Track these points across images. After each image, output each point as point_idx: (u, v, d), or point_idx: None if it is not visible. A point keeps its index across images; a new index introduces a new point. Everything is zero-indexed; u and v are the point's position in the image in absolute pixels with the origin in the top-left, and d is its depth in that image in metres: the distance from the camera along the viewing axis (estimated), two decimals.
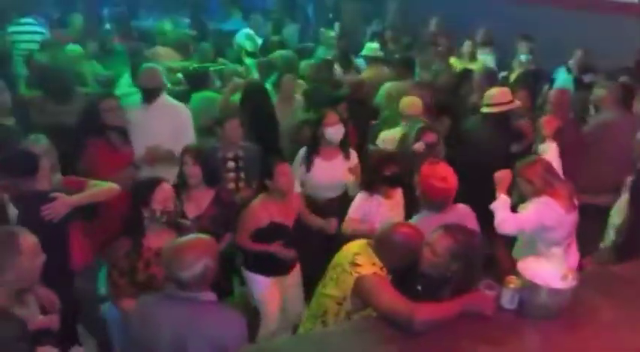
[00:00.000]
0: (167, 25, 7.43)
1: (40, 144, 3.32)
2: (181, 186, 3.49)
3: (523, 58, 6.26)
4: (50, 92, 4.56)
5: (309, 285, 3.69)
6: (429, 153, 3.79)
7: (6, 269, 2.21)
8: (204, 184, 3.52)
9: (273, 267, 3.63)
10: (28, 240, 2.29)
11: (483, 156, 3.95)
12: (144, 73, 4.32)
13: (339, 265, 2.75)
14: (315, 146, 4.06)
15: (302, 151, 4.11)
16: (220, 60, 6.28)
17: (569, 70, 5.93)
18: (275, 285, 3.69)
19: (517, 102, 4.38)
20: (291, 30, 8.26)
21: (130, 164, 4.04)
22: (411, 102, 4.45)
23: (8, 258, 2.22)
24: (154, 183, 2.99)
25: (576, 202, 3.24)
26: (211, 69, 5.63)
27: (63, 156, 3.53)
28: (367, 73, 6.16)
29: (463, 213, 3.25)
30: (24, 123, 4.19)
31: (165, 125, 4.12)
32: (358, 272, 2.61)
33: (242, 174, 4.02)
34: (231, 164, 4.02)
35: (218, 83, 5.57)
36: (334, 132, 4.00)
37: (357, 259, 2.67)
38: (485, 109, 4.34)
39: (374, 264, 2.65)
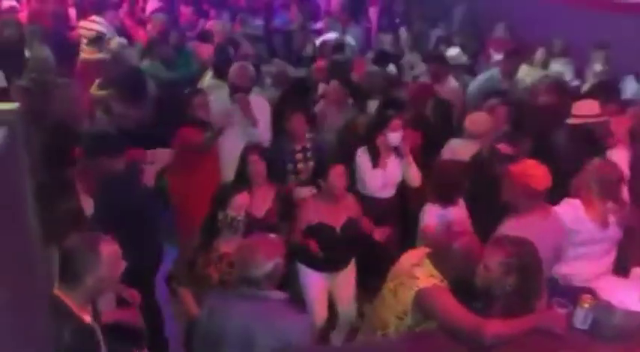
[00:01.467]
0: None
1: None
2: (242, 185, 3.53)
3: (597, 68, 6.02)
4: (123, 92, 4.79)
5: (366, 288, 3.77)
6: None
7: (85, 275, 2.17)
8: (265, 182, 3.60)
9: (322, 263, 3.63)
10: (110, 247, 2.25)
11: (567, 168, 3.72)
12: (236, 70, 4.48)
13: (396, 278, 2.70)
14: (375, 148, 4.01)
15: (361, 152, 4.05)
16: (275, 60, 6.35)
17: (638, 79, 5.66)
18: (323, 281, 3.71)
19: (604, 117, 4.08)
20: (354, 32, 8.25)
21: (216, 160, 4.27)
22: (477, 120, 4.27)
23: (88, 265, 2.17)
24: (237, 189, 3.09)
25: (614, 220, 3.01)
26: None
27: None
28: None
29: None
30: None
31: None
32: (417, 286, 2.56)
33: (310, 164, 4.09)
34: (299, 156, 4.11)
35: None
36: (397, 138, 3.99)
37: (415, 271, 2.62)
38: (570, 120, 4.15)
39: (433, 276, 2.60)
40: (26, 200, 1.65)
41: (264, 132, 4.41)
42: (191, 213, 3.74)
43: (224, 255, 2.89)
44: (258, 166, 3.57)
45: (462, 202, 3.61)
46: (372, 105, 4.55)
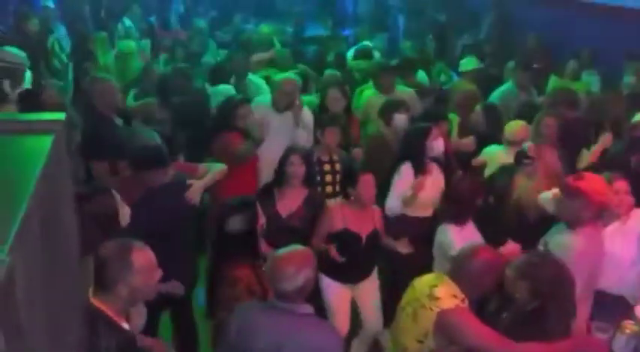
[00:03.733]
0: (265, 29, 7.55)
1: (156, 138, 3.58)
2: (277, 185, 3.60)
3: (630, 79, 5.89)
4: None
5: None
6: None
7: (117, 283, 2.08)
8: (300, 185, 3.62)
9: (343, 272, 3.58)
10: (144, 255, 2.16)
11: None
12: (284, 83, 4.55)
13: (415, 300, 2.61)
14: (420, 160, 3.87)
15: (405, 166, 3.89)
16: (300, 65, 6.33)
17: None
18: (345, 291, 3.66)
19: None
20: (380, 39, 8.20)
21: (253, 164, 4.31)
22: (516, 128, 4.25)
23: (120, 273, 2.08)
24: (252, 201, 3.13)
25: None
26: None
27: None
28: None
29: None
30: None
31: (290, 126, 4.41)
32: (439, 307, 2.48)
33: (338, 177, 4.05)
34: (327, 167, 4.08)
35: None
36: (439, 145, 3.90)
37: (435, 292, 2.53)
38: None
39: (455, 296, 2.51)
40: (71, 205, 1.64)
41: (308, 141, 4.40)
42: None
43: (237, 280, 2.83)
44: (297, 168, 3.59)
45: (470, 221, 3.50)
46: (399, 118, 4.45)
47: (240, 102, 4.38)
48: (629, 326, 2.35)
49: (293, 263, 2.35)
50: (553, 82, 6.18)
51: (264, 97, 4.83)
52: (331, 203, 3.76)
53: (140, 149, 3.39)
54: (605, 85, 6.17)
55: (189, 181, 3.31)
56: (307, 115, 4.56)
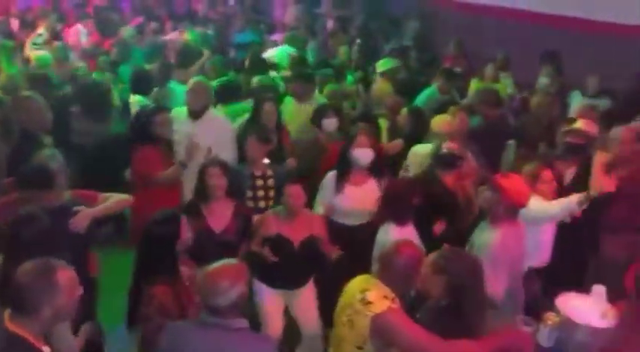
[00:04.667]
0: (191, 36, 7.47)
1: (56, 159, 3.39)
2: (201, 200, 3.50)
3: (544, 80, 6.23)
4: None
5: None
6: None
7: (42, 305, 2.01)
8: (225, 197, 3.52)
9: (277, 278, 3.58)
10: (67, 274, 2.10)
11: None
12: (190, 92, 4.40)
13: (349, 306, 2.63)
14: (345, 169, 3.93)
15: (331, 175, 3.99)
16: (231, 73, 6.28)
17: (584, 94, 5.88)
18: (278, 298, 3.64)
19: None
20: (312, 46, 8.27)
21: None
22: (442, 122, 4.44)
23: (45, 295, 2.01)
24: (177, 215, 2.97)
25: None
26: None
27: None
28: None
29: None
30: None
31: (210, 139, 4.21)
32: (372, 311, 2.50)
33: (272, 193, 3.99)
34: (259, 182, 4.01)
35: None
36: (364, 154, 3.91)
37: (367, 296, 2.54)
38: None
39: (386, 297, 2.54)
40: None
41: (229, 156, 4.27)
42: None
43: (151, 297, 2.72)
44: (219, 180, 3.48)
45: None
46: (328, 123, 4.51)
47: (157, 109, 4.26)
48: (551, 318, 2.47)
49: (226, 277, 2.30)
50: (474, 85, 6.45)
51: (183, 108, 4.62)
52: (267, 212, 3.69)
53: (26, 169, 3.24)
54: (519, 87, 6.54)
55: (76, 208, 3.13)
56: (224, 126, 4.46)
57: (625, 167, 3.94)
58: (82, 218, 3.10)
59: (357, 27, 9.11)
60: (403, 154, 4.57)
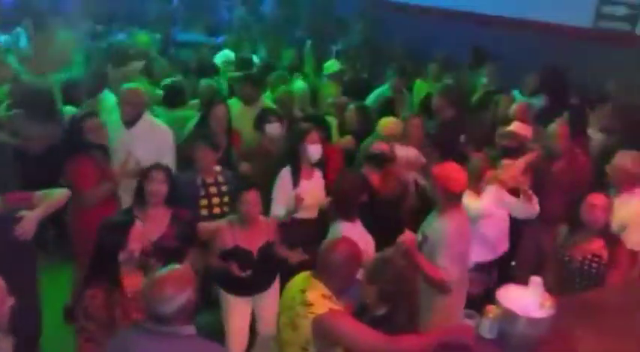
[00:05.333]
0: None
1: None
2: (139, 206, 3.41)
3: (483, 80, 6.42)
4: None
5: None
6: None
7: None
8: (162, 204, 3.44)
9: (239, 286, 3.59)
10: None
11: None
12: (121, 102, 4.25)
13: (289, 308, 2.63)
14: (297, 164, 4.00)
15: (285, 171, 4.03)
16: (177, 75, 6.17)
17: (522, 93, 6.10)
18: (245, 307, 3.66)
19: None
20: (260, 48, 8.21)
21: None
22: (388, 124, 4.55)
23: None
24: (130, 222, 2.87)
25: None
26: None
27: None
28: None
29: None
30: None
31: (147, 146, 4.10)
32: (313, 312, 2.50)
33: (226, 199, 3.93)
34: (213, 189, 3.95)
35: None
36: (317, 150, 3.98)
37: (307, 297, 2.55)
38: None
39: (324, 296, 2.55)
40: None
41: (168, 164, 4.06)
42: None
43: (83, 298, 2.68)
44: (159, 186, 3.39)
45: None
46: (271, 128, 4.50)
47: (87, 115, 4.11)
48: (492, 310, 2.55)
49: (172, 284, 2.26)
50: (418, 85, 6.59)
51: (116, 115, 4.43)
52: (221, 222, 3.64)
53: None
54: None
55: (20, 213, 2.93)
56: (161, 133, 4.34)
57: (562, 160, 4.15)
58: (28, 223, 2.91)
59: (305, 28, 9.14)
60: (355, 150, 4.71)
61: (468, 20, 7.56)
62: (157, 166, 3.52)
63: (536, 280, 2.63)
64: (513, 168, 4.01)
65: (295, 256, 3.60)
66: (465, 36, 7.31)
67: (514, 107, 4.97)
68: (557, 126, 4.25)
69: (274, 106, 5.13)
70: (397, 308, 2.57)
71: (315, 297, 2.53)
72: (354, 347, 2.45)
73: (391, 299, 2.56)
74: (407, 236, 3.18)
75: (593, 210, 3.22)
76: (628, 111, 4.96)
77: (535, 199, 3.74)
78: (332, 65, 6.53)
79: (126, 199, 3.94)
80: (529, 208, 3.76)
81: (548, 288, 3.06)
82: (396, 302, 2.57)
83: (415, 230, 3.40)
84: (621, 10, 6.22)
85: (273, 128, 4.47)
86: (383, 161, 4.05)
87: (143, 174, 3.46)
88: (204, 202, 3.92)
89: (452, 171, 3.27)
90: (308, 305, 2.51)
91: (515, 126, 4.34)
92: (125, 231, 2.79)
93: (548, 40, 6.50)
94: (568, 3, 6.41)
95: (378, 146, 4.09)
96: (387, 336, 2.40)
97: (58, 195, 3.21)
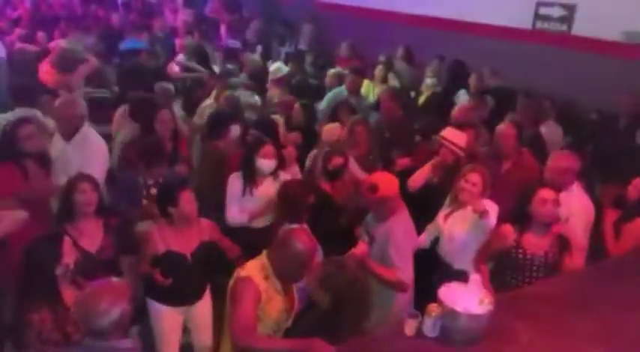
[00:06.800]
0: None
1: None
2: (67, 220, 3.26)
3: (429, 81, 6.55)
4: None
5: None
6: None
7: None
8: (93, 214, 3.32)
9: (174, 295, 3.45)
10: None
11: None
12: (55, 120, 4.13)
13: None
14: (251, 174, 3.99)
15: (235, 178, 4.00)
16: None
17: (468, 92, 6.25)
18: (176, 317, 3.54)
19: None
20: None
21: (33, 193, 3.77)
22: (330, 129, 4.65)
23: None
24: (60, 236, 2.80)
25: None
26: None
27: None
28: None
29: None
30: None
31: (82, 157, 4.02)
32: (239, 274, 2.64)
33: None
34: (154, 190, 3.89)
35: None
36: (269, 166, 3.99)
37: (245, 264, 2.71)
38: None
39: (262, 269, 2.68)
40: None
41: (100, 175, 3.96)
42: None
43: (30, 325, 2.60)
44: (90, 195, 3.26)
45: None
46: (234, 129, 4.52)
47: (21, 121, 3.95)
48: (434, 308, 2.58)
49: (105, 297, 2.21)
50: (366, 85, 6.66)
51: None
52: (150, 225, 3.52)
53: None
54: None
55: None
56: (96, 144, 4.25)
57: (510, 159, 4.24)
58: None
59: (255, 31, 9.09)
60: (301, 145, 4.82)
61: (409, 22, 7.71)
62: (82, 177, 3.38)
63: (475, 277, 2.68)
64: (420, 172, 4.13)
65: (234, 249, 3.51)
66: (406, 37, 7.45)
67: (455, 109, 5.06)
68: (504, 127, 4.30)
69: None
70: (345, 312, 2.61)
71: (253, 265, 2.65)
72: (229, 318, 2.60)
73: (340, 304, 2.60)
74: (360, 247, 3.23)
75: (545, 204, 3.30)
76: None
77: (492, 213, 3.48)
78: (279, 69, 6.48)
79: None
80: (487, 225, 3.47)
81: (507, 287, 3.21)
82: (344, 306, 2.60)
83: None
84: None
85: (235, 130, 4.49)
86: (338, 175, 4.12)
87: (69, 187, 3.31)
88: (145, 203, 3.86)
89: (386, 178, 3.39)
90: (243, 268, 2.64)
91: (445, 132, 4.26)
92: (57, 245, 2.71)
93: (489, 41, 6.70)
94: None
95: (336, 162, 4.09)
96: (252, 331, 2.53)
97: (16, 217, 3.16)
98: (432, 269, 3.73)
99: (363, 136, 4.58)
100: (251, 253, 3.48)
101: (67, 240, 2.82)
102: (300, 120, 5.18)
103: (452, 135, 4.20)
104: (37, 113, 4.73)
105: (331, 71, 6.64)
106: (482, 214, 3.37)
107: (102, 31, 8.46)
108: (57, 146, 4.12)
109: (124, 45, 7.63)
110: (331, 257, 3.00)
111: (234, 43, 8.31)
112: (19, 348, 2.65)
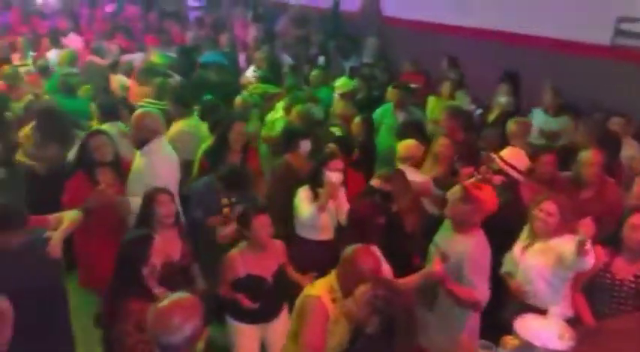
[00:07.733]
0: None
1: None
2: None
3: (502, 99, 6.34)
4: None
5: None
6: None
7: None
8: (172, 225, 3.46)
9: (254, 315, 3.50)
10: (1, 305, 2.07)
11: None
12: (136, 121, 4.21)
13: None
14: (317, 185, 3.99)
15: (304, 192, 4.02)
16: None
17: (546, 111, 6.01)
18: (254, 333, 3.58)
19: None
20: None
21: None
22: (408, 146, 4.63)
23: None
24: (149, 237, 2.90)
25: None
26: None
27: None
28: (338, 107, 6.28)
29: None
30: None
31: (156, 169, 4.05)
32: (309, 293, 2.63)
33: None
34: (225, 201, 3.98)
35: None
36: (336, 178, 3.95)
37: (315, 284, 2.69)
38: None
39: (331, 290, 2.65)
40: None
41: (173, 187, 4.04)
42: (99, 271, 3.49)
43: (128, 314, 2.66)
44: (169, 207, 3.39)
45: None
46: (305, 144, 4.57)
47: (93, 133, 4.15)
48: (509, 341, 2.47)
49: (178, 313, 2.22)
50: (432, 101, 6.54)
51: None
52: (231, 251, 3.55)
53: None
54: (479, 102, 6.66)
55: (47, 234, 3.14)
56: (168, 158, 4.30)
57: (592, 188, 4.02)
58: (56, 244, 3.13)
59: (318, 45, 9.15)
60: (360, 158, 4.86)
61: (481, 37, 7.52)
62: (161, 189, 3.50)
63: (555, 310, 2.54)
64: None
65: (307, 280, 3.49)
66: (480, 54, 7.26)
67: (512, 126, 4.86)
68: (590, 154, 4.04)
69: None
70: (396, 335, 2.47)
71: (321, 285, 2.64)
72: (300, 334, 2.59)
73: (392, 328, 2.47)
74: (437, 265, 3.13)
75: (636, 230, 3.14)
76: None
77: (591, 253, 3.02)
78: (345, 83, 6.48)
79: None
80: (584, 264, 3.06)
81: (595, 311, 3.07)
82: (396, 330, 2.47)
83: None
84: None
85: (306, 145, 4.54)
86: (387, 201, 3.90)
87: (149, 198, 3.42)
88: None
89: (490, 194, 3.34)
90: (309, 288, 2.66)
91: (505, 152, 4.07)
92: (148, 245, 2.82)
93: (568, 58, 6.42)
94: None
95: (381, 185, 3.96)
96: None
97: (74, 218, 3.43)
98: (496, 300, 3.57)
99: (449, 149, 4.57)
100: (317, 266, 3.54)
101: (157, 241, 2.90)
102: (359, 134, 5.24)
103: (511, 156, 4.02)
104: (121, 125, 4.98)
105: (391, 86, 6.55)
106: (580, 251, 2.94)
107: (180, 46, 8.72)
108: (133, 156, 4.25)
109: (205, 58, 7.84)
110: (380, 278, 2.91)
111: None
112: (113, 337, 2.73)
